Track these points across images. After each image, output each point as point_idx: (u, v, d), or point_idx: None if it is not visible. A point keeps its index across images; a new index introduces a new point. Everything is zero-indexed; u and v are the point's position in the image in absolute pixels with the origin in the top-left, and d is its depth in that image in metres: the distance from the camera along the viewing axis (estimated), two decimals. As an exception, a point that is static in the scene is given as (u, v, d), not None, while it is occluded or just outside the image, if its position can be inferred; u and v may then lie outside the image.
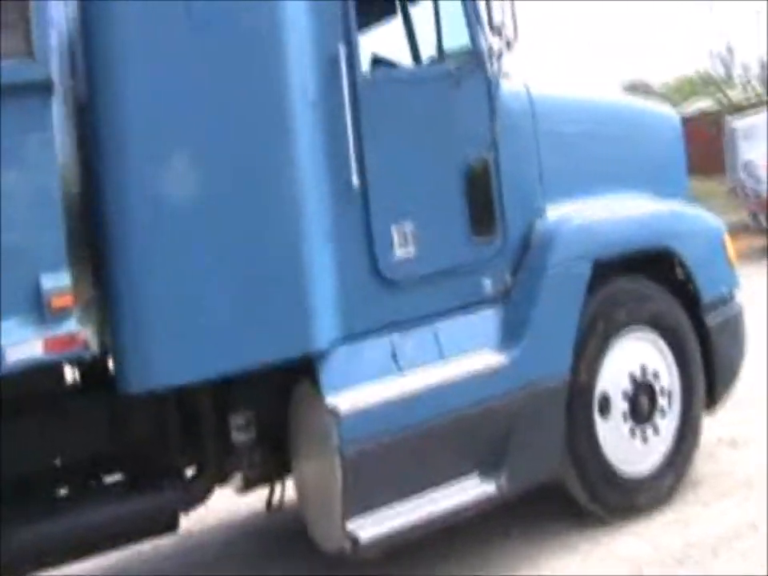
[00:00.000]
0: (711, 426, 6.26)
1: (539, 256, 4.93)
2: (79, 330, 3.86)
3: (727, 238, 5.58)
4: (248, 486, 5.02)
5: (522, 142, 5.03)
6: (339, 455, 4.34)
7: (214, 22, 4.10)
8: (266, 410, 4.71)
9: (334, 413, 4.34)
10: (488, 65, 4.82)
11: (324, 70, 4.42)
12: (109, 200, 4.06)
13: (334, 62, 4.42)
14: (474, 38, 4.83)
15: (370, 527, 4.42)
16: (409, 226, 4.67)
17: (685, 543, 4.81)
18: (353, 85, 4.47)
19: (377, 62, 4.90)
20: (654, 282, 5.25)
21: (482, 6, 4.83)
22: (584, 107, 5.44)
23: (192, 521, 5.35)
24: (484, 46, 4.84)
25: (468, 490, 4.66)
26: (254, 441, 4.66)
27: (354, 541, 4.35)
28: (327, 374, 4.45)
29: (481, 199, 4.85)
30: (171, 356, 4.11)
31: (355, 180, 4.48)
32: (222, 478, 4.81)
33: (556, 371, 4.86)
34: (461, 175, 4.78)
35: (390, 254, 4.63)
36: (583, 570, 4.71)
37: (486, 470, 4.72)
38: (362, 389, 4.50)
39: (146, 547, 5.42)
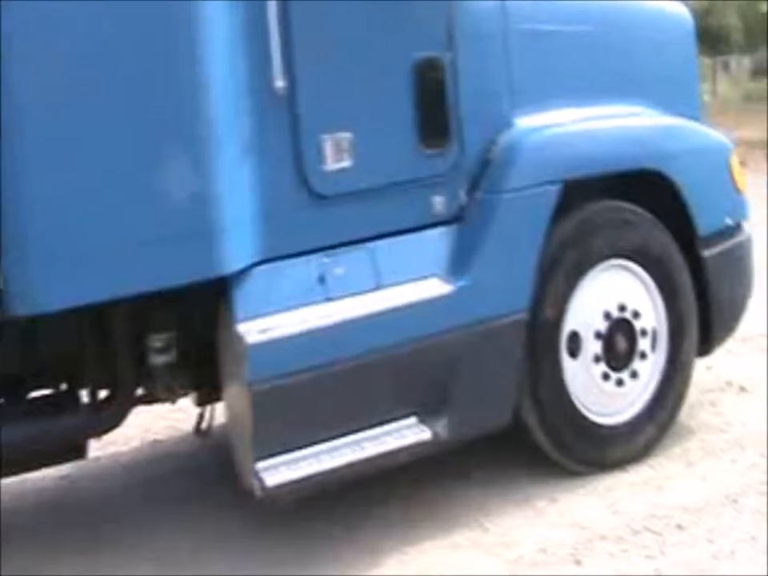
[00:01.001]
0: (723, 366, 5.66)
1: (498, 174, 4.30)
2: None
3: (734, 160, 4.85)
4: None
5: (489, 41, 4.35)
6: (248, 390, 3.90)
7: None
8: (189, 333, 4.29)
9: (243, 342, 3.88)
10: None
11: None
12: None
13: None
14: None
15: (282, 470, 3.95)
16: (344, 135, 4.07)
17: (649, 512, 4.21)
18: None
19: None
20: (641, 208, 4.58)
21: None
22: (566, 3, 4.69)
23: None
24: None
25: (400, 436, 4.15)
26: (173, 364, 4.26)
27: (261, 483, 3.92)
28: (241, 299, 3.96)
29: (433, 105, 4.22)
30: (55, 279, 3.67)
31: (279, 82, 3.92)
32: (135, 402, 4.43)
33: (512, 307, 4.26)
34: (408, 78, 4.14)
35: (321, 167, 4.06)
36: (530, 531, 4.18)
37: (425, 414, 4.21)
38: (281, 317, 4.01)
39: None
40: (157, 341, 4.21)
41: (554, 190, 4.28)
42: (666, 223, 4.61)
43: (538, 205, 4.29)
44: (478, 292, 4.21)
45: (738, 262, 4.86)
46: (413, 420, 4.22)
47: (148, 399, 4.49)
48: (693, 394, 5.19)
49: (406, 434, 4.16)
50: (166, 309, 4.19)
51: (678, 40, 5.04)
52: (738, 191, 4.85)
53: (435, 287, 4.20)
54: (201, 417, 4.79)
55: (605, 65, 4.70)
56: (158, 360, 4.23)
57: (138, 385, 4.35)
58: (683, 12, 5.16)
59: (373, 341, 4.06)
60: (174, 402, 4.56)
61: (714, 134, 4.88)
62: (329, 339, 4.01)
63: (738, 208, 4.89)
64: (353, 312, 4.07)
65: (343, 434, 4.11)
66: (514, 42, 4.40)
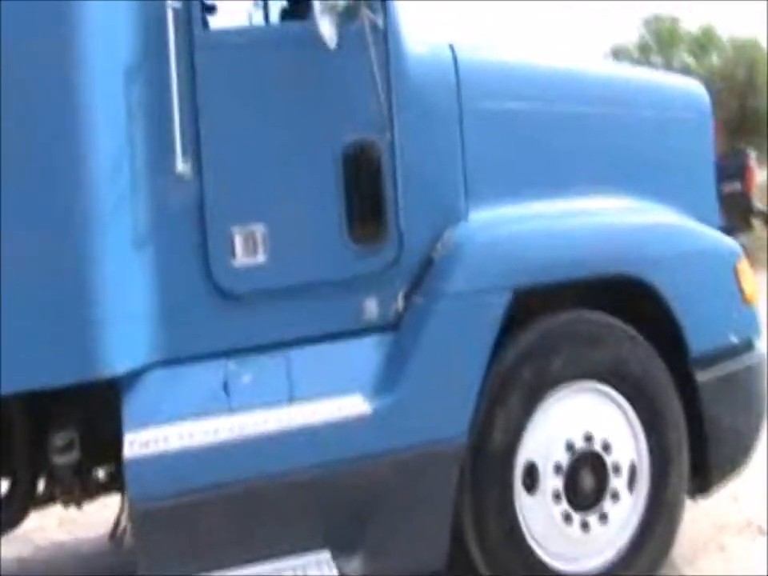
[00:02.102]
0: (751, 499, 4.87)
1: (440, 275, 3.70)
2: None
3: (743, 266, 4.09)
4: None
5: (439, 122, 3.78)
6: (130, 507, 3.43)
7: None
8: (94, 431, 3.84)
9: (126, 455, 3.42)
10: (381, 16, 3.63)
11: (146, 26, 3.46)
12: None
13: (158, 17, 3.45)
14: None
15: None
16: (257, 226, 3.59)
17: None
18: (184, 46, 3.47)
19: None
20: (620, 321, 3.89)
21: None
22: (540, 78, 4.06)
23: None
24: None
25: (302, 571, 3.59)
26: (75, 464, 3.82)
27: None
28: (131, 404, 3.51)
29: (365, 195, 3.68)
30: None
31: (181, 166, 3.47)
32: (37, 503, 4.02)
33: (448, 432, 3.62)
34: (336, 162, 3.62)
35: (230, 261, 3.58)
36: None
37: (337, 550, 3.63)
38: (173, 428, 3.52)
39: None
40: (57, 439, 3.80)
41: (504, 297, 3.65)
42: (652, 339, 3.91)
43: (484, 313, 3.65)
44: (407, 412, 3.60)
45: (746, 386, 4.07)
46: (325, 555, 3.65)
47: (48, 500, 4.09)
48: (702, 532, 4.45)
49: (310, 570, 3.60)
50: (67, 405, 3.77)
51: (688, 123, 4.32)
52: (746, 303, 4.08)
53: (356, 404, 3.60)
54: (117, 521, 4.34)
55: (588, 150, 4.04)
56: (59, 460, 3.81)
57: (35, 485, 3.96)
58: (698, 90, 4.45)
59: (278, 462, 3.50)
60: (78, 505, 4.14)
61: (717, 236, 4.12)
62: (225, 457, 3.47)
63: (747, 322, 4.12)
64: (257, 427, 3.51)
65: (238, 565, 3.58)
66: (471, 122, 3.81)
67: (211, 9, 4.41)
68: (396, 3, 3.70)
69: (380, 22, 3.62)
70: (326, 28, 3.32)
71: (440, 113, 3.79)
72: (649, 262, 3.83)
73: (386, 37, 3.65)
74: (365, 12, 3.41)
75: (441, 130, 3.79)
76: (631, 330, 3.86)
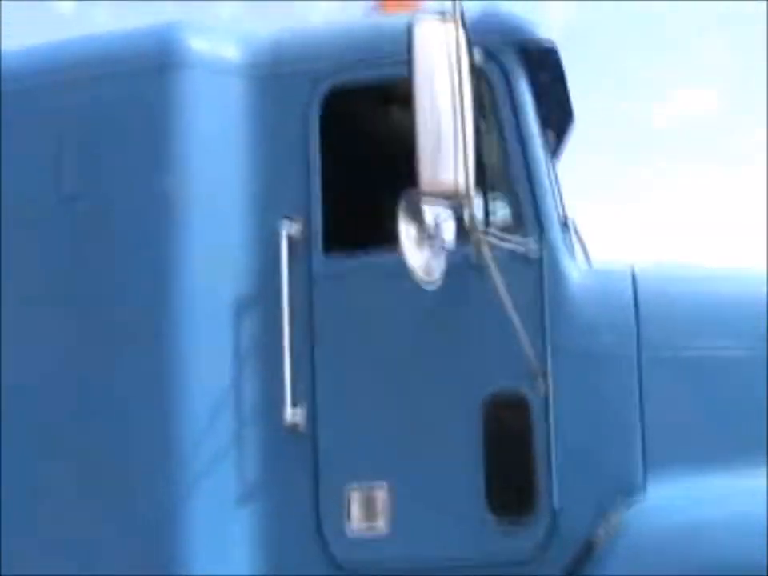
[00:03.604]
0: None
1: (599, 566, 2.86)
2: None
3: None
4: None
5: (610, 371, 3.03)
6: None
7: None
8: None
9: None
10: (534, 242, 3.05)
11: (256, 253, 3.17)
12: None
13: (270, 243, 3.15)
14: (523, 203, 3.11)
15: None
16: (378, 488, 3.04)
17: None
18: (299, 274, 3.13)
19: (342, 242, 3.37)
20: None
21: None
22: (747, 310, 3.12)
23: None
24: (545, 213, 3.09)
25: None
26: None
27: None
28: None
29: (511, 459, 3.00)
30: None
31: (291, 415, 3.07)
32: None
33: None
34: (475, 418, 3.00)
35: (345, 528, 3.05)
36: None
37: None
38: None
39: None
40: None
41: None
42: None
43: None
44: None
45: None
46: None
47: None
48: None
49: None
50: None
51: None
52: None
53: None
54: None
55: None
56: None
57: None
58: None
59: None
60: None
61: None
62: None
63: None
64: None
65: None
66: (653, 372, 3.02)
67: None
68: (557, 223, 3.11)
69: (532, 249, 3.05)
70: (419, 259, 2.80)
71: (612, 360, 3.05)
72: None
73: (541, 268, 3.06)
74: (481, 240, 2.84)
75: (613, 382, 3.04)
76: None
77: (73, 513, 3.08)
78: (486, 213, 3.36)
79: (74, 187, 3.20)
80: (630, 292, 3.11)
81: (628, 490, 2.99)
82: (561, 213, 3.24)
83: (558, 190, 3.36)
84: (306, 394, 3.08)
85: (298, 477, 3.10)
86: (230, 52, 3.31)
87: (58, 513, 3.09)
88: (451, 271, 2.93)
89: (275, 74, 3.29)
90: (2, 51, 3.40)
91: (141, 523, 3.04)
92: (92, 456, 3.08)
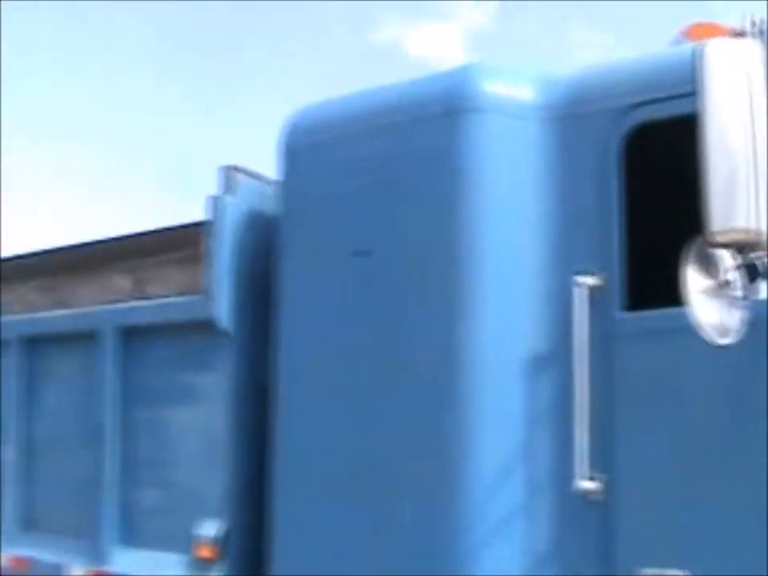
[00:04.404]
0: None
1: None
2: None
3: None
4: None
5: None
6: None
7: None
8: None
9: None
10: None
11: (548, 307, 2.94)
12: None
13: (564, 296, 2.89)
14: None
15: None
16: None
17: None
18: (597, 332, 2.86)
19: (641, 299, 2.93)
20: None
21: None
22: None
23: None
24: None
25: None
26: None
27: None
28: None
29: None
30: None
31: (583, 482, 2.78)
32: None
33: None
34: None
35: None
36: None
37: None
38: None
39: None
40: None
41: None
42: None
43: None
44: None
45: None
46: None
47: None
48: None
49: None
50: None
51: None
52: None
53: None
54: None
55: None
56: None
57: None
58: None
59: None
60: None
61: None
62: None
63: None
64: None
65: None
66: None
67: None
68: None
69: None
70: (710, 315, 2.38)
71: None
72: None
73: None
74: None
75: None
76: None
77: None
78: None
79: (368, 243, 3.19)
80: None
81: None
82: None
83: None
84: (603, 460, 2.81)
85: (587, 550, 2.83)
86: (525, 93, 3.14)
87: None
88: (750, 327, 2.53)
89: (572, 115, 3.06)
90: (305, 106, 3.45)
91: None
92: (377, 519, 3.03)
